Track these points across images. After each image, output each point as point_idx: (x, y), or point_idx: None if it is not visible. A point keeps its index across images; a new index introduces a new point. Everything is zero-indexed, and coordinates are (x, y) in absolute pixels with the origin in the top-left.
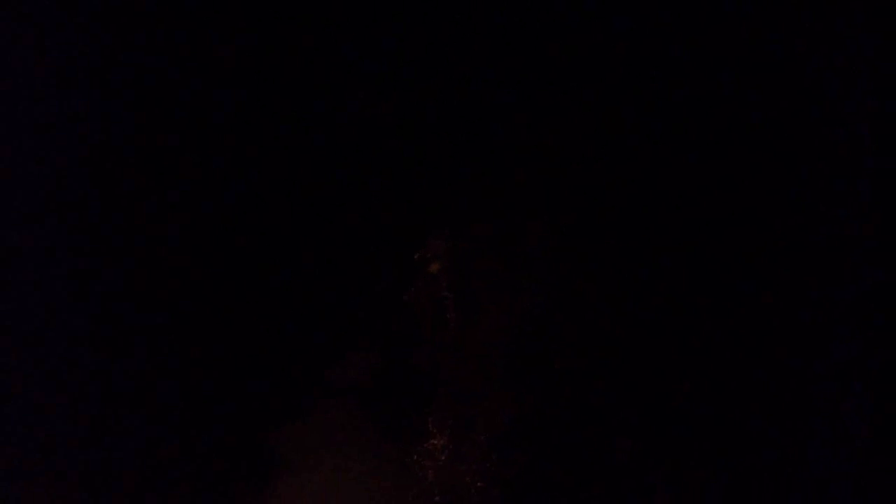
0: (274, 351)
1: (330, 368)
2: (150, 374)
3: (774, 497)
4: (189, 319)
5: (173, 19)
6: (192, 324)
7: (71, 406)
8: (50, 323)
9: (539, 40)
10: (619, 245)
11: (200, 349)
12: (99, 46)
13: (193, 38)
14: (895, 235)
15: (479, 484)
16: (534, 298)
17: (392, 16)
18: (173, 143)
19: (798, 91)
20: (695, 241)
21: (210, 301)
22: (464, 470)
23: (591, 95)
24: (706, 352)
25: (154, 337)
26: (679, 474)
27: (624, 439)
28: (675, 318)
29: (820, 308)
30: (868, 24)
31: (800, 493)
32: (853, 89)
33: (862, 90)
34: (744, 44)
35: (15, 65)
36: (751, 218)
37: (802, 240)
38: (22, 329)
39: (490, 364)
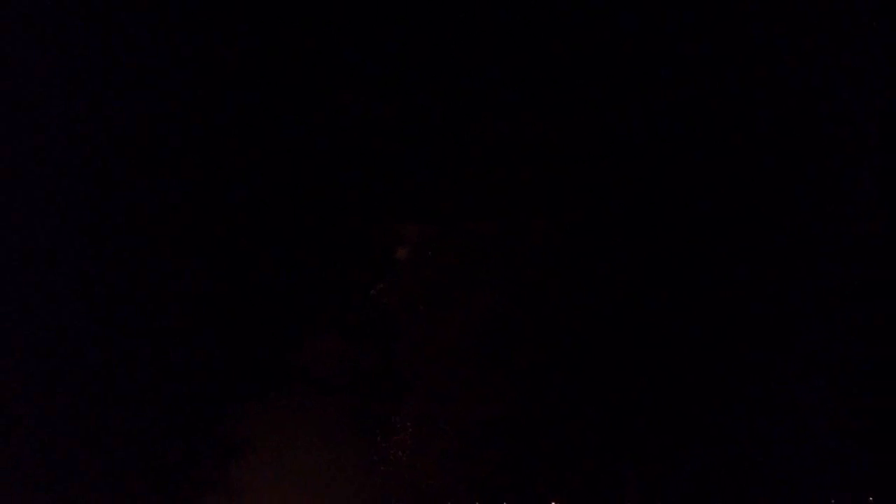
0: (244, 337)
1: (299, 356)
2: (121, 356)
3: (738, 484)
4: (164, 307)
5: (175, 21)
6: (167, 311)
7: (45, 390)
8: (18, 304)
9: (543, 40)
10: (590, 244)
11: (174, 335)
12: (101, 47)
13: (195, 40)
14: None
15: (443, 477)
16: (507, 297)
17: (397, 16)
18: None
19: (800, 92)
20: (665, 237)
21: (182, 287)
22: (429, 463)
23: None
24: (672, 347)
25: (126, 321)
26: (647, 465)
27: (592, 433)
28: (640, 315)
29: (783, 303)
30: (871, 24)
31: (760, 482)
32: (858, 89)
33: (867, 90)
34: (749, 44)
35: (17, 65)
36: (710, 216)
37: (764, 240)
38: None
39: (461, 360)
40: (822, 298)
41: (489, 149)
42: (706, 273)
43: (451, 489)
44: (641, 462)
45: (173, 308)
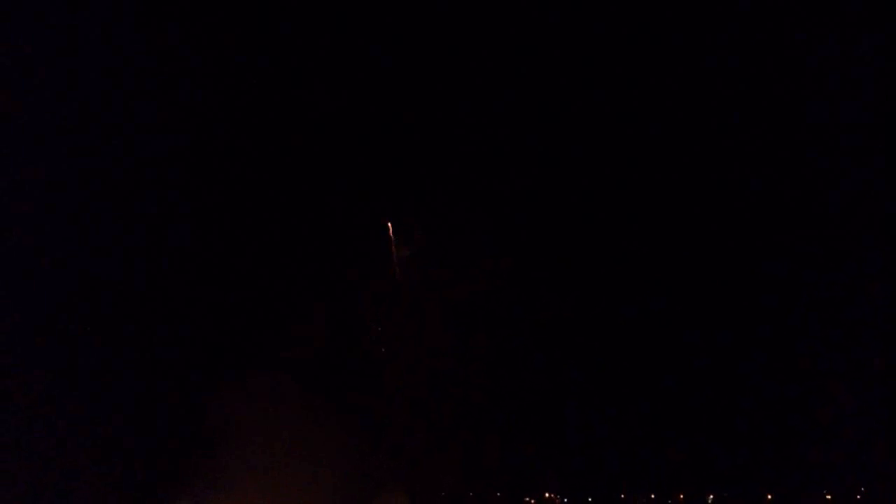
0: (225, 323)
1: (287, 348)
2: (108, 348)
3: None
4: (151, 300)
5: (168, 20)
6: (154, 304)
7: (30, 381)
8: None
9: (533, 43)
10: (586, 241)
11: (160, 326)
12: (97, 48)
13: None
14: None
15: (428, 466)
16: (498, 292)
17: (392, 18)
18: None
19: (797, 94)
20: (663, 235)
21: (169, 280)
22: (414, 453)
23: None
24: (670, 346)
25: (112, 315)
26: (642, 458)
27: (586, 426)
28: (636, 313)
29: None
30: (869, 25)
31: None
32: (854, 90)
33: (863, 91)
34: (744, 46)
35: (16, 66)
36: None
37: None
38: None
39: (449, 352)
40: (823, 300)
41: (486, 148)
42: (704, 273)
43: (437, 477)
44: (638, 455)
45: (159, 301)
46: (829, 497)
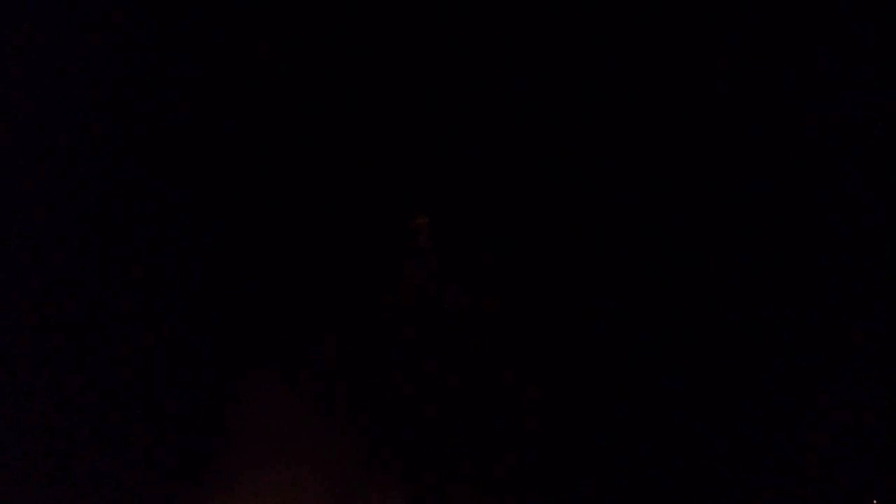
0: (245, 329)
1: (297, 350)
2: (120, 349)
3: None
4: (164, 300)
5: (173, 20)
6: (167, 304)
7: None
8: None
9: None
10: (598, 243)
11: (175, 327)
12: (100, 47)
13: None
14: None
15: (442, 476)
16: (513, 296)
17: (403, 17)
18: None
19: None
20: (671, 237)
21: (185, 278)
22: (427, 463)
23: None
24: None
25: (125, 315)
26: (644, 472)
27: (568, 434)
28: (645, 318)
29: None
30: (869, 25)
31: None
32: (854, 90)
33: (863, 91)
34: (744, 46)
35: (19, 65)
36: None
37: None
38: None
39: (464, 357)
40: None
41: (500, 145)
42: (714, 277)
43: (441, 487)
44: (638, 469)
45: (173, 301)
46: None
